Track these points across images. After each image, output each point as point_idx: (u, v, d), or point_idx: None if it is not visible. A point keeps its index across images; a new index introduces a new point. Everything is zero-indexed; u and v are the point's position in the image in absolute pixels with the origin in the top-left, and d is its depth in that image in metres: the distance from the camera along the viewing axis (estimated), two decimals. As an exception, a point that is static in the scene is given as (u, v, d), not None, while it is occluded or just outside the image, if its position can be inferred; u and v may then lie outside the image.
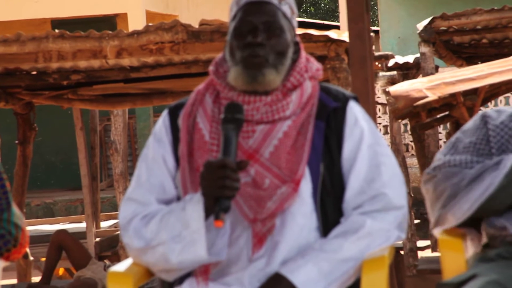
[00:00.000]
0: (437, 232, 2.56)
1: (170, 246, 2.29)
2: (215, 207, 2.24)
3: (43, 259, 7.86)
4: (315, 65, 2.43)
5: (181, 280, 2.36)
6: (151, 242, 2.32)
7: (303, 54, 2.42)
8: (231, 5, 2.40)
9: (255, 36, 2.31)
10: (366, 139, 2.37)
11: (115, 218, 9.32)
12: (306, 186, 2.32)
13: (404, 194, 2.38)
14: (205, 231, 2.27)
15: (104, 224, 9.15)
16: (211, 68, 2.42)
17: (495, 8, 7.51)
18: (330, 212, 2.34)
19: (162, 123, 2.45)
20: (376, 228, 2.30)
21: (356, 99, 2.44)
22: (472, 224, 2.54)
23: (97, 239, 8.30)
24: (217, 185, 2.23)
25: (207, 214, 2.28)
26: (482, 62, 7.50)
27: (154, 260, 2.33)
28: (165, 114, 2.46)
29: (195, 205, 2.28)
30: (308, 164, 2.32)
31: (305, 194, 2.33)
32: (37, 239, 8.20)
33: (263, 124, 2.34)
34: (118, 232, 7.99)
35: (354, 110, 2.40)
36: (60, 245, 7.52)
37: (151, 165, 2.42)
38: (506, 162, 2.44)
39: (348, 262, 2.28)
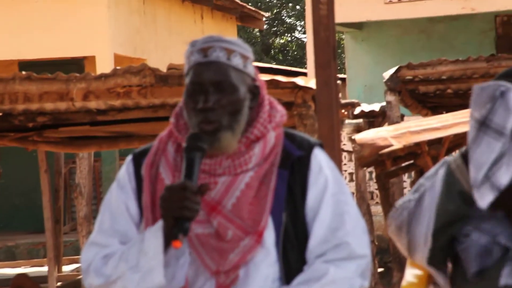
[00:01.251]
0: (422, 263, 2.52)
1: (129, 278, 2.26)
2: (173, 228, 2.22)
3: (3, 303, 7.72)
4: (279, 111, 2.39)
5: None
6: (110, 278, 2.29)
7: (266, 101, 2.39)
8: (184, 57, 2.38)
9: (205, 101, 2.28)
10: (330, 187, 2.35)
11: (77, 262, 9.22)
12: (269, 236, 2.30)
13: (367, 243, 2.37)
14: (163, 258, 2.24)
15: (67, 268, 9.05)
16: (171, 120, 2.40)
17: (460, 59, 7.63)
18: (293, 261, 2.32)
19: (125, 170, 2.43)
20: (339, 276, 2.29)
21: (321, 146, 2.42)
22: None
23: (59, 284, 8.19)
24: (177, 206, 2.20)
25: (167, 240, 2.25)
26: (447, 112, 7.58)
27: None
28: (129, 160, 2.44)
29: (154, 232, 2.26)
30: (271, 213, 2.30)
31: (268, 244, 2.31)
32: (-2, 283, 8.07)
33: (225, 176, 2.33)
34: (81, 277, 7.89)
35: (319, 158, 2.38)
36: (21, 289, 7.40)
37: (114, 212, 2.39)
38: (442, 168, 2.45)
39: None
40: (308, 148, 2.38)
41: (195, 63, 2.32)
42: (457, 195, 2.39)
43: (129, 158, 2.45)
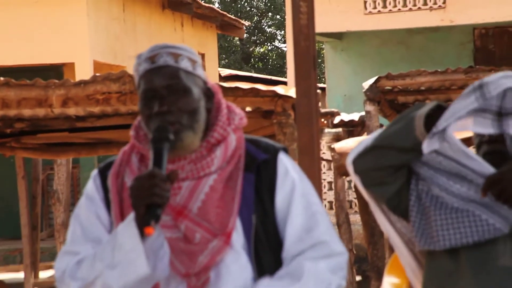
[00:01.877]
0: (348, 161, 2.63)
1: (108, 275, 2.25)
2: (145, 215, 2.21)
3: (-21, 309, 7.67)
4: (238, 114, 2.42)
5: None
6: (87, 279, 2.29)
7: (224, 104, 2.41)
8: (133, 71, 2.40)
9: (161, 105, 2.31)
10: (298, 188, 2.38)
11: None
12: (238, 238, 2.32)
13: (340, 241, 2.40)
14: (143, 248, 2.23)
15: (43, 275, 9.00)
16: (131, 133, 2.43)
17: (439, 70, 7.68)
18: (265, 262, 2.34)
19: (93, 183, 2.45)
20: (317, 274, 2.31)
21: (286, 150, 2.46)
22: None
23: (35, 290, 8.14)
24: (147, 193, 2.21)
25: (140, 228, 2.23)
26: (426, 122, 7.60)
27: None
28: (95, 174, 2.46)
29: (126, 226, 2.25)
30: (239, 216, 2.32)
31: (237, 246, 2.32)
32: (-27, 289, 8.01)
33: (188, 180, 2.34)
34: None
35: (284, 161, 2.41)
36: (-3, 295, 7.36)
37: (85, 222, 2.40)
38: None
39: None
40: (273, 152, 2.41)
41: (144, 71, 2.35)
42: (409, 135, 2.52)
43: (94, 172, 2.47)
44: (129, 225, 2.25)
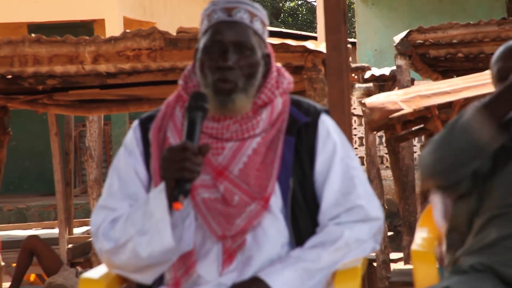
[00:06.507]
0: None
1: (137, 240, 2.27)
2: (174, 190, 2.22)
3: (14, 264, 7.80)
4: (287, 78, 2.41)
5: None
6: (119, 241, 2.31)
7: (274, 66, 2.40)
8: (202, 17, 2.37)
9: (225, 59, 2.29)
10: (338, 152, 2.38)
11: (88, 224, 9.28)
12: (276, 202, 2.32)
13: (379, 206, 2.40)
14: (170, 220, 2.24)
15: (77, 231, 9.11)
16: (180, 82, 2.41)
17: (471, 22, 7.58)
18: (303, 226, 2.34)
19: (133, 134, 2.43)
20: (353, 239, 2.32)
21: (327, 112, 2.44)
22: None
23: (70, 246, 8.26)
24: (177, 167, 2.20)
25: (170, 201, 2.24)
26: (458, 76, 7.56)
27: (126, 258, 2.30)
28: (135, 125, 2.44)
29: (157, 194, 2.26)
30: (278, 179, 2.32)
31: (276, 210, 2.32)
32: (9, 244, 8.14)
33: (232, 141, 2.33)
34: (91, 239, 7.95)
35: (326, 123, 2.40)
36: (31, 250, 7.48)
37: (123, 176, 2.40)
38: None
39: (323, 271, 2.30)
40: (315, 114, 2.40)
41: (218, 21, 2.33)
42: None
43: (135, 123, 2.45)
44: (160, 194, 2.25)
